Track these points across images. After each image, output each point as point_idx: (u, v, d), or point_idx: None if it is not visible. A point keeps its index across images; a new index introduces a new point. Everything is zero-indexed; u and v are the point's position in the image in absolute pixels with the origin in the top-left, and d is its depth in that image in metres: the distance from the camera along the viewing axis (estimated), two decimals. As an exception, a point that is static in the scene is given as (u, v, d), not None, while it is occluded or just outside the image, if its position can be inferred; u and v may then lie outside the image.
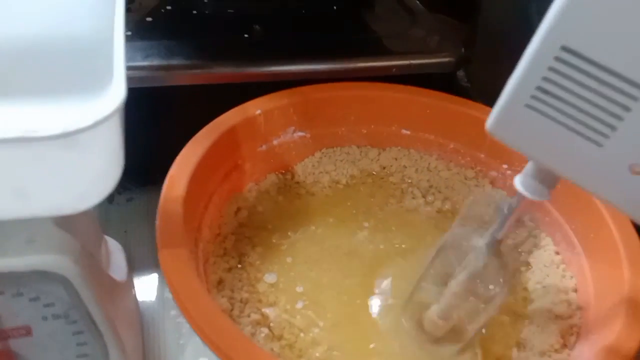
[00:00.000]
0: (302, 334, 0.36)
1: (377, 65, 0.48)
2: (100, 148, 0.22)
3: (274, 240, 0.42)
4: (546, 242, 0.43)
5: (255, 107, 0.43)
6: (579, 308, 0.38)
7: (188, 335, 0.41)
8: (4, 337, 0.30)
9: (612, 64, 0.19)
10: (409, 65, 0.49)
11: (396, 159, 0.49)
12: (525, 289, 0.41)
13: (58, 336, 0.31)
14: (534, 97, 0.22)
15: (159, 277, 0.45)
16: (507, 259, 0.30)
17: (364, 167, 0.49)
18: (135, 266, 0.45)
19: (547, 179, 0.25)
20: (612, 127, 0.20)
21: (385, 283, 0.40)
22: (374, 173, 0.48)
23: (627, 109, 0.20)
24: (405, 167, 0.49)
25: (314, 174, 0.48)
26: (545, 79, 0.21)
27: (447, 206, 0.46)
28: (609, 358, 0.31)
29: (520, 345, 0.37)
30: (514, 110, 0.22)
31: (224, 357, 0.28)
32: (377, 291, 0.39)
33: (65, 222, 0.29)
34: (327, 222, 0.43)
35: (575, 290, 0.39)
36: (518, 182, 0.26)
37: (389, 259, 0.41)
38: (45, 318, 0.30)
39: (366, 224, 0.44)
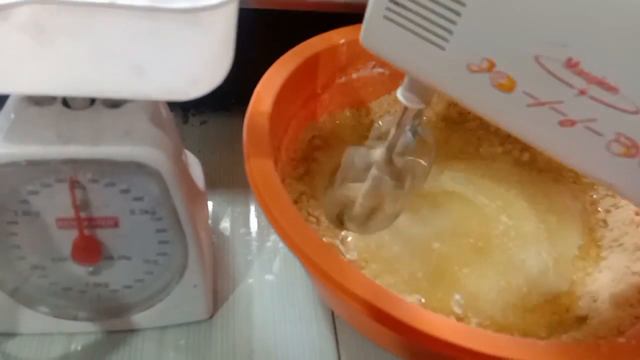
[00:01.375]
0: (375, 255, 0.36)
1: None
2: (218, 32, 0.22)
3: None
4: (626, 201, 0.42)
5: (339, 36, 0.43)
6: (659, 268, 0.37)
7: (256, 252, 0.42)
8: (93, 225, 0.31)
9: None
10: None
11: (474, 105, 0.48)
12: (600, 245, 0.40)
13: (142, 231, 0.32)
14: (388, 8, 0.24)
15: (228, 198, 0.46)
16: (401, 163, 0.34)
17: (440, 111, 0.48)
18: (206, 186, 0.46)
19: (418, 88, 0.29)
20: (449, 32, 0.23)
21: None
22: (450, 118, 0.47)
23: (457, 14, 0.23)
24: (483, 115, 0.48)
25: (388, 112, 0.47)
26: None
27: (526, 157, 0.45)
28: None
29: (591, 296, 0.36)
30: (376, 23, 0.25)
31: (311, 266, 0.28)
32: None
33: (157, 122, 0.30)
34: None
35: (655, 251, 0.38)
36: (399, 93, 0.29)
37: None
38: (132, 212, 0.31)
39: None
